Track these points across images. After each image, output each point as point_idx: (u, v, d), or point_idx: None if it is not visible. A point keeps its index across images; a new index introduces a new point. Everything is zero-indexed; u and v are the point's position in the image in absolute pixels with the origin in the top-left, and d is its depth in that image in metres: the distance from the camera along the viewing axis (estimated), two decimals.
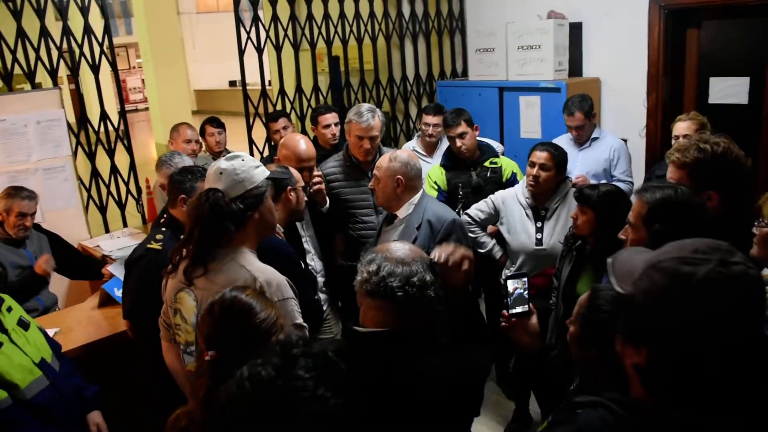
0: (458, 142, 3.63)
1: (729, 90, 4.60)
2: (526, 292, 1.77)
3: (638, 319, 1.04)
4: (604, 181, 3.69)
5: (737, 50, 4.53)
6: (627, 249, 1.33)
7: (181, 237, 2.60)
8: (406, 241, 2.62)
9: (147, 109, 16.02)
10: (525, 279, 1.77)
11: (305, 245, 2.95)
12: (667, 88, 4.77)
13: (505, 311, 1.79)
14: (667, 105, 4.80)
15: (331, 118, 4.13)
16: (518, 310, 1.74)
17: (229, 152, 4.67)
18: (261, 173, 2.03)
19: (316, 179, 3.00)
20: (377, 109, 3.26)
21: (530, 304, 1.76)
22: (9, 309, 2.22)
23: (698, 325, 0.97)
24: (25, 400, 2.07)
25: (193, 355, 2.05)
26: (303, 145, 2.95)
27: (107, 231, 4.25)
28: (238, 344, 1.53)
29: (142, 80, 18.83)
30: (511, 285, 1.76)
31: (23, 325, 2.22)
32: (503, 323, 1.81)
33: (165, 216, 2.76)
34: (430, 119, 4.24)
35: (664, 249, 1.06)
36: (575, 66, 5.08)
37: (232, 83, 19.84)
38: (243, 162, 2.00)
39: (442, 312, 1.61)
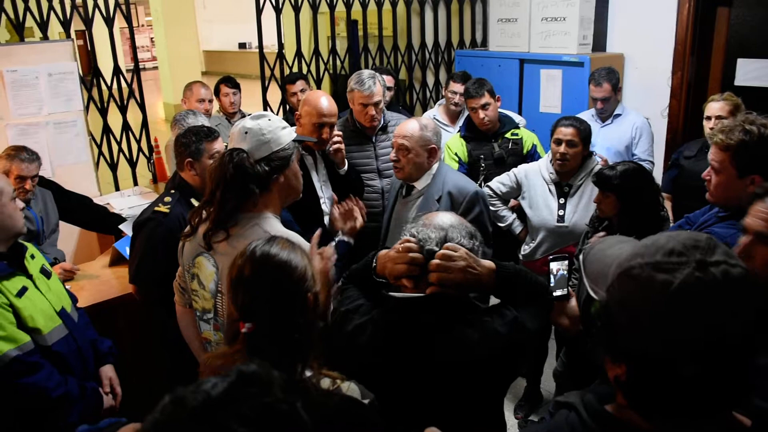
0: (481, 114, 3.53)
1: (757, 72, 4.47)
2: (567, 273, 1.72)
3: (614, 334, 0.96)
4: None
5: None
6: (599, 242, 1.28)
7: (191, 200, 2.55)
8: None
9: (155, 68, 15.83)
10: (567, 261, 1.71)
11: (323, 206, 2.88)
12: (693, 67, 4.65)
13: None
14: (692, 85, 4.69)
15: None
16: (558, 293, 1.68)
17: (243, 114, 4.58)
18: (288, 134, 1.95)
19: (336, 138, 2.91)
20: (377, 74, 3.21)
21: (569, 288, 1.71)
22: (32, 256, 2.20)
23: (678, 341, 0.89)
24: (46, 346, 2.07)
25: (210, 322, 1.99)
26: (325, 100, 2.85)
27: (117, 189, 4.17)
28: (276, 310, 1.36)
29: (151, 39, 18.59)
30: (554, 266, 1.71)
31: (45, 273, 2.21)
32: None
33: (178, 176, 2.70)
34: (457, 87, 4.12)
35: (636, 249, 0.97)
36: (599, 41, 4.96)
37: (242, 45, 19.61)
38: (270, 122, 1.92)
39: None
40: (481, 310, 1.59)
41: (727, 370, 0.90)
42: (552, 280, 1.76)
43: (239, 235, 1.86)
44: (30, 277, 2.12)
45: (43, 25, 3.77)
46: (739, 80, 4.54)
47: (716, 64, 4.69)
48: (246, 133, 1.89)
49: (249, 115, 4.57)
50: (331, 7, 4.84)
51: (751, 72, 4.50)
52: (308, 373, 1.34)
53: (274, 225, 1.90)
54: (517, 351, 1.55)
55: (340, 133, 2.96)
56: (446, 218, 1.63)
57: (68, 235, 3.68)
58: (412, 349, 1.51)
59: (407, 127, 2.65)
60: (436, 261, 1.52)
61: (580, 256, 1.56)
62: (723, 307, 0.88)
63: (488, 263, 1.58)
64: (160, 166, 5.32)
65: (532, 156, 3.57)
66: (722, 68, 4.66)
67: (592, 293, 1.41)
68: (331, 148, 2.90)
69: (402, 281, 1.58)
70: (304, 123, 2.82)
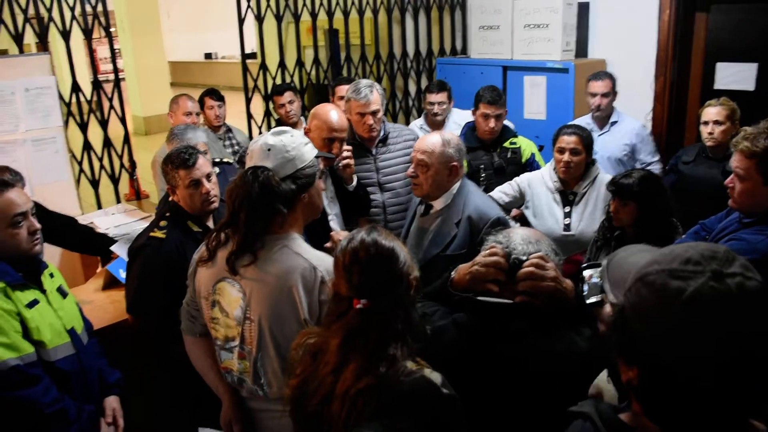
0: (492, 123, 3.50)
1: (735, 76, 4.54)
2: (600, 280, 1.68)
3: (627, 337, 0.97)
4: (629, 168, 3.61)
5: (745, 36, 4.45)
6: (623, 249, 1.34)
7: (187, 223, 2.44)
8: (444, 238, 2.48)
9: (121, 79, 15.42)
10: (600, 268, 1.67)
11: (331, 224, 2.78)
12: (674, 72, 4.70)
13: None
14: (674, 89, 4.74)
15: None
16: (593, 299, 1.65)
17: (228, 127, 4.46)
18: (311, 151, 1.86)
19: (345, 154, 2.81)
20: (375, 84, 3.14)
21: (603, 293, 1.67)
22: (51, 275, 2.24)
23: (689, 348, 0.88)
24: (50, 361, 2.07)
25: (234, 351, 1.88)
26: (335, 114, 2.76)
27: (99, 207, 4.01)
28: (387, 289, 1.48)
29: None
30: (587, 274, 1.67)
31: (62, 293, 2.24)
32: None
33: (170, 199, 2.58)
34: (434, 97, 4.09)
35: (654, 257, 0.96)
36: (580, 47, 4.99)
37: (208, 56, 19.26)
38: (292, 138, 1.83)
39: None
40: (562, 323, 1.57)
41: (742, 381, 0.88)
42: (586, 287, 1.73)
43: (268, 258, 1.76)
44: (44, 292, 2.14)
45: (18, 38, 3.61)
46: (719, 84, 4.61)
47: (696, 68, 4.76)
48: (269, 150, 1.79)
49: (235, 128, 4.42)
50: (313, 16, 4.76)
51: (729, 75, 4.57)
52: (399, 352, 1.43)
53: (302, 245, 1.81)
54: (594, 369, 1.51)
55: (350, 148, 2.86)
56: (529, 232, 1.65)
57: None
58: (500, 354, 1.51)
59: (428, 141, 2.49)
60: (529, 268, 1.53)
61: (604, 262, 1.55)
62: (736, 318, 0.87)
63: (568, 280, 1.59)
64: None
65: (531, 164, 3.55)
66: (702, 72, 4.72)
67: (612, 297, 1.43)
68: (340, 164, 2.81)
69: (487, 286, 1.57)
70: (313, 137, 2.72)
